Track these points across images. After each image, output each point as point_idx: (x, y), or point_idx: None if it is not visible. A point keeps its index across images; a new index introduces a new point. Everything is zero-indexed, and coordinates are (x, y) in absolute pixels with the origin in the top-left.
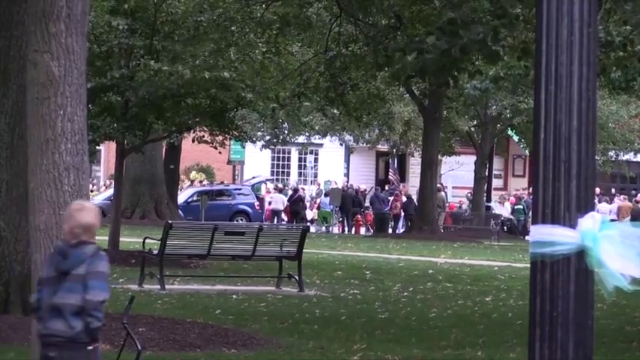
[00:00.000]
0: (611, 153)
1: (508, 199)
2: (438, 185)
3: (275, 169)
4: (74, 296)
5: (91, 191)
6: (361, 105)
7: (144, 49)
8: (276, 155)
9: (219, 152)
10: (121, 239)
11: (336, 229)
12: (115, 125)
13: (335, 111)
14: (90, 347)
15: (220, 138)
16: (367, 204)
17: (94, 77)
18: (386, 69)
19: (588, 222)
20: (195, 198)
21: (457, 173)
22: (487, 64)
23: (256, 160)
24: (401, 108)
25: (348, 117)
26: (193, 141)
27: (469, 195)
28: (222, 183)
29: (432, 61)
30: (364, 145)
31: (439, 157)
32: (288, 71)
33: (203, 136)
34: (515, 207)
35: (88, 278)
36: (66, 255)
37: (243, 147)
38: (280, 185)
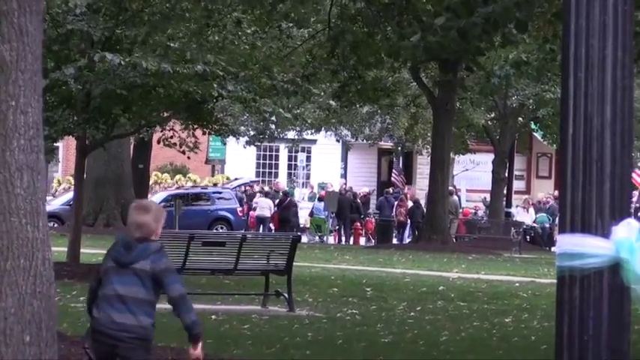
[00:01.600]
0: None
1: (531, 204)
2: (450, 188)
3: (261, 170)
4: (138, 290)
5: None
6: (376, 88)
7: (102, 39)
8: (262, 153)
9: (188, 157)
10: (82, 251)
11: (331, 239)
12: (75, 119)
13: (333, 102)
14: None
15: (193, 140)
16: (372, 209)
17: (50, 65)
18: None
19: (624, 230)
20: (168, 203)
21: (472, 174)
22: (506, 45)
23: (239, 159)
24: (408, 93)
25: (363, 99)
26: (159, 142)
27: (486, 199)
28: (201, 185)
29: (448, 41)
30: (364, 141)
31: (451, 155)
32: (287, 51)
33: (171, 137)
34: (539, 214)
35: (163, 275)
36: (130, 248)
37: (224, 143)
38: (267, 188)
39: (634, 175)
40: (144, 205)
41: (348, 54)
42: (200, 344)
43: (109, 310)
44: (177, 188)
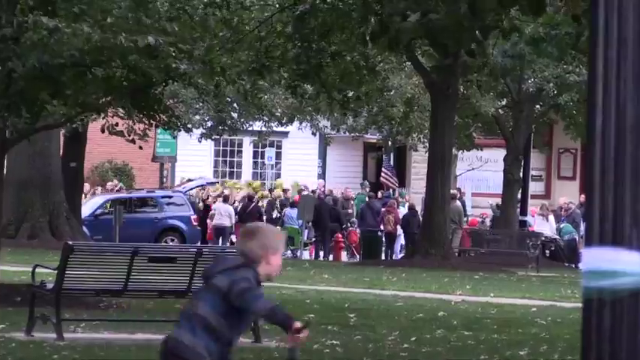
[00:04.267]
0: None
1: (551, 211)
2: (453, 191)
3: (220, 168)
4: (203, 308)
5: None
6: (344, 80)
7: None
8: (221, 149)
9: (140, 147)
10: (0, 267)
11: (306, 254)
12: None
13: (308, 87)
14: None
15: (142, 127)
16: (354, 218)
17: None
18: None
19: None
20: (106, 209)
21: (479, 174)
22: (512, 32)
23: (193, 156)
24: (401, 80)
25: (327, 100)
26: (103, 131)
27: (496, 206)
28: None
29: (455, 19)
30: (346, 134)
31: (454, 151)
32: (243, 34)
33: (116, 124)
34: (562, 223)
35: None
36: (217, 261)
37: (174, 137)
38: (227, 192)
39: None
40: (248, 230)
41: (314, 37)
42: (294, 325)
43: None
44: (118, 191)
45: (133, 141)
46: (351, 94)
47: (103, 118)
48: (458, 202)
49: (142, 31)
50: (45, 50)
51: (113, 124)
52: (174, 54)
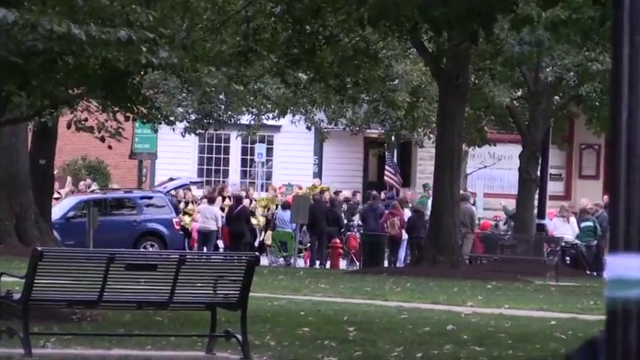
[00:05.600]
0: None
1: (572, 213)
2: (463, 192)
3: (205, 166)
4: None
5: None
6: (341, 66)
7: None
8: (206, 144)
9: (109, 147)
10: None
11: (301, 262)
12: None
13: (301, 75)
14: None
15: (115, 125)
16: (358, 221)
17: None
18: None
19: None
20: (79, 211)
21: (492, 173)
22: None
23: (175, 153)
24: (406, 67)
25: (323, 89)
26: (69, 126)
27: (510, 210)
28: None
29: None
30: (345, 128)
31: (464, 147)
32: (228, 15)
33: (86, 120)
34: (583, 225)
35: None
36: None
37: (155, 131)
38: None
39: None
40: None
41: (306, 17)
42: None
43: None
44: (92, 192)
45: (102, 139)
46: (348, 80)
47: (72, 113)
48: (469, 205)
49: (116, 25)
50: (7, 39)
51: (82, 119)
52: (154, 38)
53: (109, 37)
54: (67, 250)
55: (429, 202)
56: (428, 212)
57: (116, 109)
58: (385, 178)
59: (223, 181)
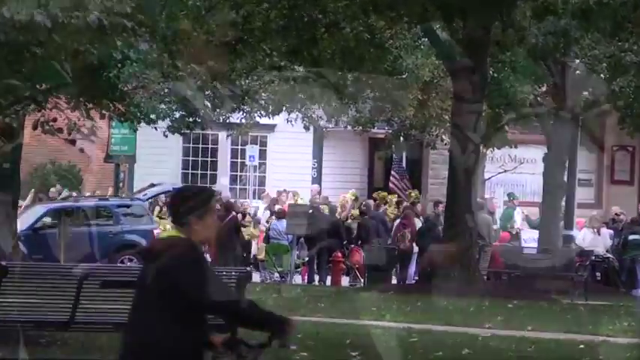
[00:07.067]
0: None
1: (604, 224)
2: (480, 200)
3: (190, 170)
4: None
5: None
6: (343, 58)
7: None
8: (191, 146)
9: (81, 150)
10: None
11: (298, 278)
12: None
13: (299, 69)
14: None
15: (89, 125)
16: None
17: None
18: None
19: None
20: (47, 221)
21: (513, 177)
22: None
23: (156, 155)
24: (417, 60)
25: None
26: (35, 127)
27: (534, 220)
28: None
29: None
30: (347, 127)
31: (481, 149)
32: (215, 1)
33: (54, 120)
34: (631, 237)
35: None
36: None
37: (134, 131)
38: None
39: None
40: None
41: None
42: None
43: None
44: (63, 199)
45: (73, 142)
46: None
47: (39, 111)
48: (486, 215)
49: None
50: None
51: (50, 119)
52: (132, 27)
53: (78, 22)
54: (35, 265)
55: (515, 212)
56: (516, 225)
57: (90, 106)
58: (391, 184)
59: (211, 187)
